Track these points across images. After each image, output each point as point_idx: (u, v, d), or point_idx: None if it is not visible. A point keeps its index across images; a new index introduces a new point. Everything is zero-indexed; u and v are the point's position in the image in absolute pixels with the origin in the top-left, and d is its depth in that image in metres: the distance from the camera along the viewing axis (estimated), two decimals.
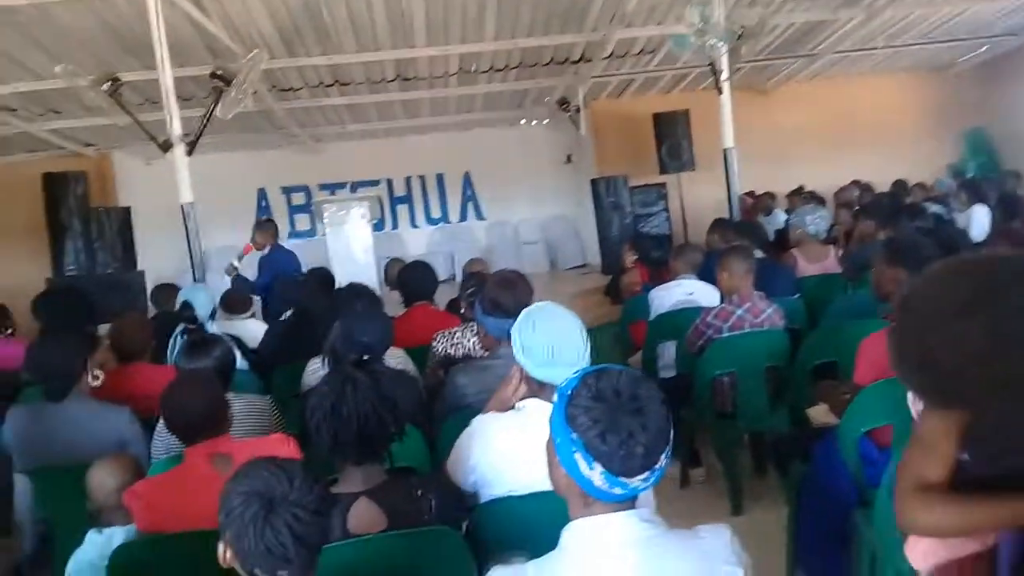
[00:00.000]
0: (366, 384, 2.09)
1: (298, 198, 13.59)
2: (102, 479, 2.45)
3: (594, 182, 11.56)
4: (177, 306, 4.69)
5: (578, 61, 10.13)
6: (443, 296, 5.31)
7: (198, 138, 5.83)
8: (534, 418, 2.33)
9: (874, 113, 12.71)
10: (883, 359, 3.01)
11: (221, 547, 1.52)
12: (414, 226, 13.92)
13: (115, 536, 2.30)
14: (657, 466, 1.47)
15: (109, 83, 5.72)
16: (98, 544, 2.29)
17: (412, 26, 8.26)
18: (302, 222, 13.64)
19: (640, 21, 8.82)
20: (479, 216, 14.03)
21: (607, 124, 12.12)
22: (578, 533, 1.52)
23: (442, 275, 12.36)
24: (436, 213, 14.00)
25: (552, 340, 2.35)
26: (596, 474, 1.46)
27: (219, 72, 5.71)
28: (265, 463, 1.56)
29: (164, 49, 5.67)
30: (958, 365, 1.46)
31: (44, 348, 3.30)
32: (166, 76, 5.69)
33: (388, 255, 11.17)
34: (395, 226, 13.81)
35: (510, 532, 2.27)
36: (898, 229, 4.83)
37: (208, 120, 5.87)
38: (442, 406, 3.31)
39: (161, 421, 3.17)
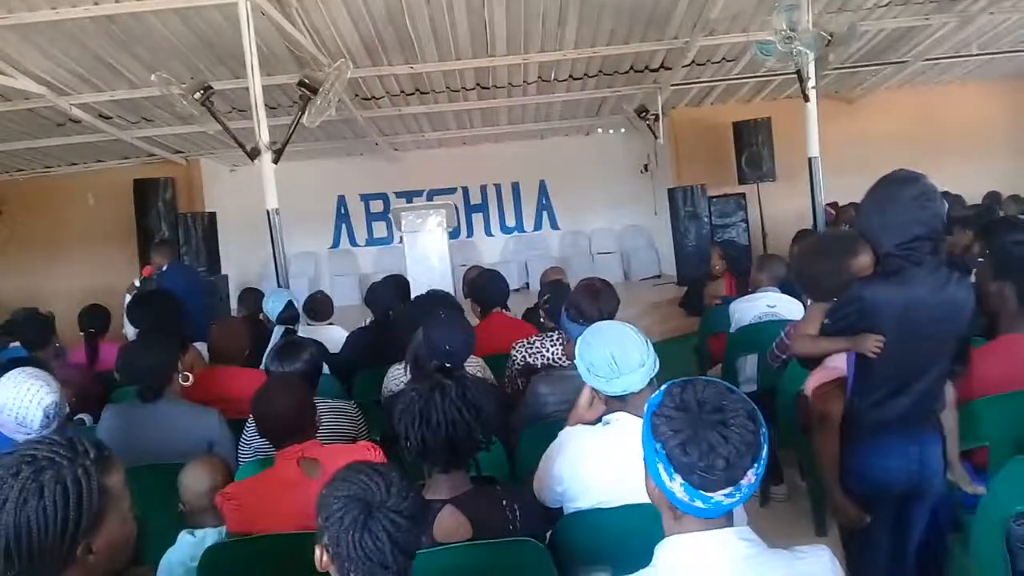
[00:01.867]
0: (454, 391, 2.10)
1: (376, 205, 13.81)
2: (194, 480, 2.51)
3: (671, 191, 11.44)
4: (266, 309, 4.80)
5: (658, 69, 10.04)
6: (515, 304, 5.32)
7: (284, 146, 5.95)
8: (623, 431, 2.31)
9: (964, 123, 12.26)
10: (982, 376, 2.91)
11: (318, 551, 1.53)
12: (489, 234, 13.99)
13: (208, 537, 2.35)
14: (743, 481, 1.42)
15: (201, 92, 5.89)
16: (191, 545, 2.34)
17: (493, 35, 8.31)
18: (379, 229, 13.86)
19: (723, 28, 8.71)
20: (553, 225, 14.02)
21: (685, 132, 11.98)
22: (672, 550, 1.49)
23: (516, 283, 12.41)
24: (511, 222, 14.04)
25: (611, 350, 2.37)
26: (676, 486, 1.44)
27: (306, 81, 5.82)
28: (363, 468, 1.57)
29: (254, 59, 5.81)
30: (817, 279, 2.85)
31: (138, 350, 3.41)
32: (255, 85, 5.84)
33: (463, 263, 11.29)
34: (470, 234, 13.90)
35: (595, 545, 2.25)
36: (994, 242, 4.62)
37: (295, 128, 5.99)
38: (522, 415, 3.30)
39: (248, 423, 3.25)
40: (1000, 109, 12.56)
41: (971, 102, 12.42)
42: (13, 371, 2.69)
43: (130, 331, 5.54)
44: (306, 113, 5.96)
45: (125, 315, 4.84)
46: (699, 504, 1.43)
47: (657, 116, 10.93)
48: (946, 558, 2.86)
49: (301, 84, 5.85)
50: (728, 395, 1.46)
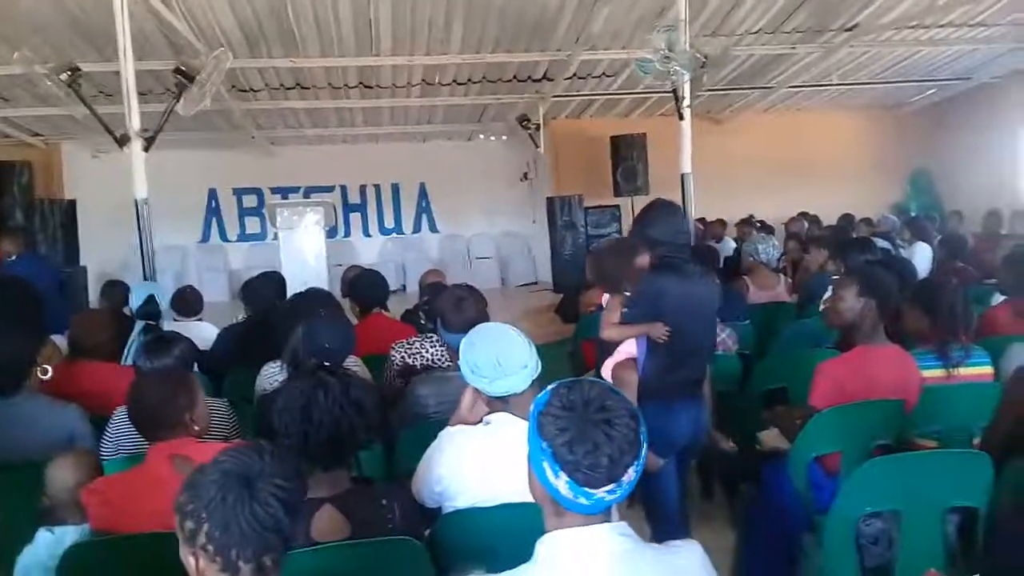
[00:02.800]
0: (337, 389, 2.09)
1: (250, 200, 13.43)
2: (62, 475, 2.38)
3: (549, 200, 11.64)
4: (132, 303, 4.59)
5: (540, 79, 10.23)
6: (392, 306, 5.30)
7: (156, 134, 5.72)
8: (502, 431, 2.35)
9: (824, 148, 13.05)
10: (839, 385, 3.12)
11: (191, 560, 1.47)
12: (367, 235, 13.86)
13: (67, 535, 2.24)
14: (624, 478, 1.48)
15: (68, 73, 5.58)
16: (49, 543, 2.22)
17: (378, 34, 8.25)
18: (252, 224, 13.49)
19: (604, 44, 8.96)
20: (432, 228, 14.03)
21: (565, 144, 12.23)
22: (553, 545, 1.53)
23: (393, 285, 12.28)
24: (389, 223, 13.95)
25: (495, 352, 2.42)
26: (562, 483, 1.48)
27: (182, 68, 5.62)
28: (226, 451, 1.54)
29: (127, 41, 5.56)
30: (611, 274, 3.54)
31: None
32: (127, 69, 5.58)
33: (339, 262, 11.11)
34: (347, 233, 13.72)
35: (473, 544, 2.28)
36: (848, 261, 4.95)
37: (167, 116, 5.76)
38: (401, 416, 3.30)
39: (112, 420, 3.11)
40: (856, 136, 13.45)
41: (831, 129, 13.25)
42: None
43: None
44: (181, 101, 5.75)
45: None
46: (582, 501, 1.48)
47: (538, 126, 11.12)
48: (801, 556, 3.05)
49: (177, 71, 5.64)
50: (612, 395, 1.51)
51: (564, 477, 1.47)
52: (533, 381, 2.45)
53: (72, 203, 11.30)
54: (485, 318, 3.18)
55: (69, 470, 2.40)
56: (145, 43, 7.49)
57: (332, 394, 2.07)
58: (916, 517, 2.66)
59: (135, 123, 5.61)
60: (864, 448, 3.04)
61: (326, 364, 2.82)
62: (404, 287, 12.47)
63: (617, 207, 11.91)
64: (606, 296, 3.77)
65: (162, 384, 2.44)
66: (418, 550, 2.12)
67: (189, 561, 1.48)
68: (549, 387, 1.56)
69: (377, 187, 13.83)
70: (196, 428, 2.45)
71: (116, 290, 5.60)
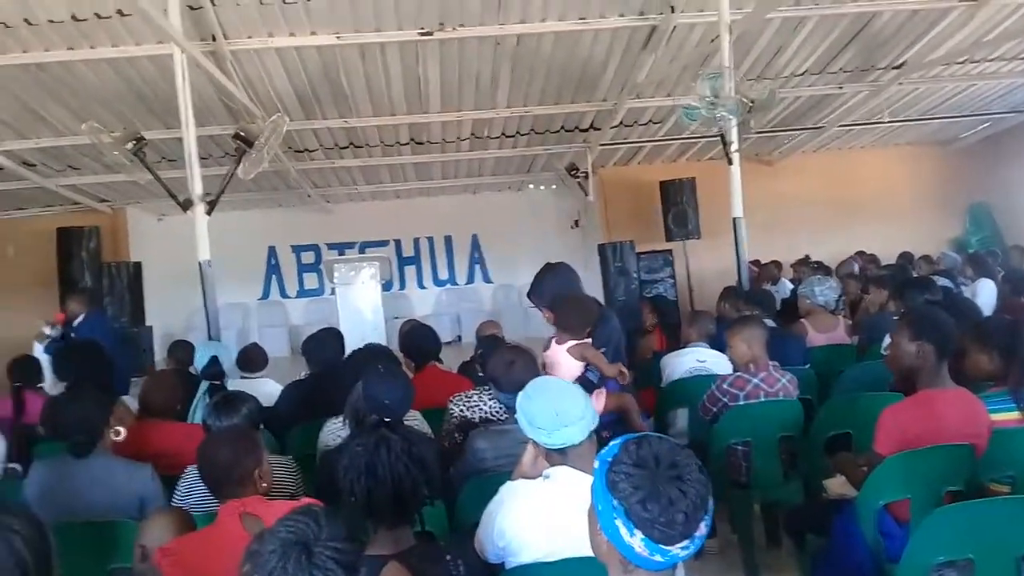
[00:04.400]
0: (399, 445, 2.13)
1: (308, 257, 13.73)
2: (154, 532, 2.45)
3: (601, 247, 11.67)
4: (196, 362, 4.72)
5: (587, 129, 10.34)
6: (448, 357, 5.37)
7: (218, 197, 5.92)
8: (563, 486, 2.36)
9: (877, 185, 12.90)
10: (903, 430, 3.05)
11: None
12: (421, 287, 14.03)
13: None
14: (697, 534, 1.49)
15: (133, 142, 5.83)
16: None
17: (427, 92, 8.46)
18: (310, 280, 13.76)
19: (649, 92, 9.04)
20: (486, 279, 14.14)
21: (615, 190, 12.31)
22: None
23: (448, 336, 12.41)
24: (443, 274, 14.11)
25: (552, 404, 2.44)
26: (637, 541, 1.48)
27: (241, 134, 5.82)
28: (283, 518, 1.58)
29: (189, 111, 5.80)
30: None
31: (69, 403, 3.32)
32: (190, 137, 5.81)
33: (396, 315, 11.28)
34: (403, 286, 13.91)
35: None
36: (909, 301, 4.87)
37: (229, 180, 5.97)
38: (461, 470, 3.32)
39: (182, 479, 3.20)
40: (911, 173, 13.27)
41: (884, 166, 13.10)
42: None
43: (49, 382, 5.37)
44: (241, 165, 5.95)
45: (51, 366, 4.69)
46: (657, 558, 1.48)
47: (587, 174, 11.21)
48: None
49: (237, 137, 5.84)
50: (680, 451, 1.53)
51: (639, 535, 1.47)
52: (590, 433, 2.46)
53: (137, 265, 11.66)
54: (536, 376, 3.21)
55: (163, 528, 2.46)
56: (204, 109, 7.79)
57: (394, 451, 2.12)
58: (990, 565, 2.58)
59: (197, 188, 5.81)
60: (934, 494, 2.97)
61: (386, 420, 2.89)
62: (459, 338, 12.58)
63: (669, 251, 11.89)
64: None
65: (231, 443, 2.51)
66: None
67: None
68: (615, 442, 1.58)
69: (430, 240, 14.04)
70: (263, 485, 2.51)
71: (182, 350, 5.75)
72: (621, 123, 10.07)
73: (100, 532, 2.91)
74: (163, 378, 4.07)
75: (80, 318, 7.45)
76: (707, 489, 1.51)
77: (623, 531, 1.49)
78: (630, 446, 1.54)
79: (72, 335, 7.04)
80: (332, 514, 1.58)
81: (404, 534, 2.15)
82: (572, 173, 11.37)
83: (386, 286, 11.40)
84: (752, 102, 6.79)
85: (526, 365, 3.27)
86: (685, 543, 1.48)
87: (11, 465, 3.65)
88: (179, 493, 3.14)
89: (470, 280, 14.15)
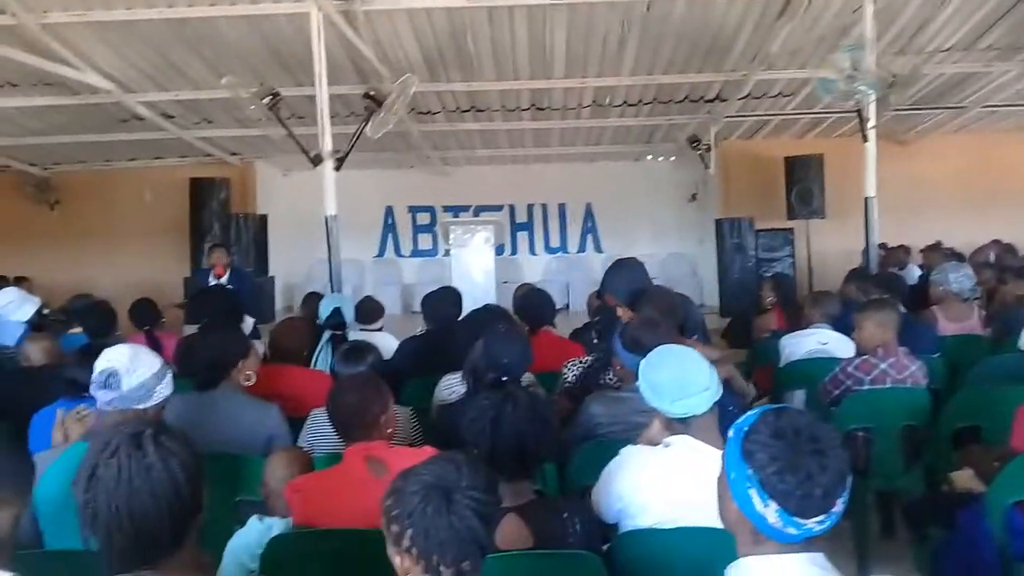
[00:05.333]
0: (525, 403, 2.16)
1: (423, 217, 13.96)
2: (278, 469, 2.58)
3: (719, 222, 11.44)
4: (320, 313, 4.89)
5: (713, 100, 10.08)
6: (557, 324, 5.38)
7: (347, 154, 6.08)
8: (683, 455, 2.35)
9: (1019, 171, 12.12)
10: None
11: (397, 558, 1.56)
12: (533, 253, 14.08)
13: (275, 525, 2.42)
14: (834, 509, 1.47)
15: (269, 97, 6.04)
16: (260, 530, 2.41)
17: (551, 58, 8.41)
18: (425, 241, 14.01)
19: (781, 63, 8.73)
20: (597, 248, 14.06)
21: (736, 164, 11.99)
22: (747, 571, 1.52)
23: (557, 304, 12.40)
24: (555, 242, 14.11)
25: (677, 373, 2.42)
26: (771, 512, 1.47)
27: (371, 93, 5.95)
28: (426, 462, 1.62)
29: (323, 68, 5.95)
30: None
31: (202, 340, 3.51)
32: (323, 94, 5.97)
33: (505, 280, 11.37)
34: (514, 252, 13.98)
35: (650, 564, 2.28)
36: None
37: (357, 138, 6.11)
38: (574, 434, 3.34)
39: (308, 422, 3.34)
40: None
41: None
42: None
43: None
44: (369, 124, 6.09)
45: (185, 308, 4.96)
46: (791, 531, 1.47)
47: (709, 146, 10.95)
48: None
49: (367, 96, 5.98)
50: (820, 425, 1.50)
51: (774, 506, 1.46)
52: (713, 405, 2.43)
53: (263, 218, 12.14)
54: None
55: (285, 465, 2.59)
56: (334, 68, 7.98)
57: (520, 407, 2.15)
58: None
59: (328, 144, 5.98)
60: None
61: (503, 378, 2.93)
62: (567, 306, 12.57)
63: (790, 230, 11.53)
64: None
65: (360, 389, 2.61)
66: (597, 565, 2.15)
67: (395, 560, 1.57)
68: (752, 412, 1.56)
69: (544, 207, 14.04)
70: (388, 431, 2.59)
71: (313, 301, 5.96)
72: (749, 95, 9.77)
73: (229, 465, 3.07)
74: (294, 325, 4.25)
75: (228, 272, 7.85)
76: (846, 465, 1.49)
77: (756, 501, 1.48)
78: (769, 416, 1.52)
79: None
80: (475, 464, 1.61)
81: (523, 488, 2.19)
82: (693, 145, 11.14)
83: (498, 250, 11.48)
84: (894, 77, 6.49)
85: (669, 330, 3.22)
86: (821, 517, 1.46)
87: None
88: (304, 434, 3.28)
89: (581, 249, 14.10)
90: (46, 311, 6.35)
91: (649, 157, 13.27)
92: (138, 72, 8.39)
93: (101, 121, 9.91)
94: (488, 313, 4.13)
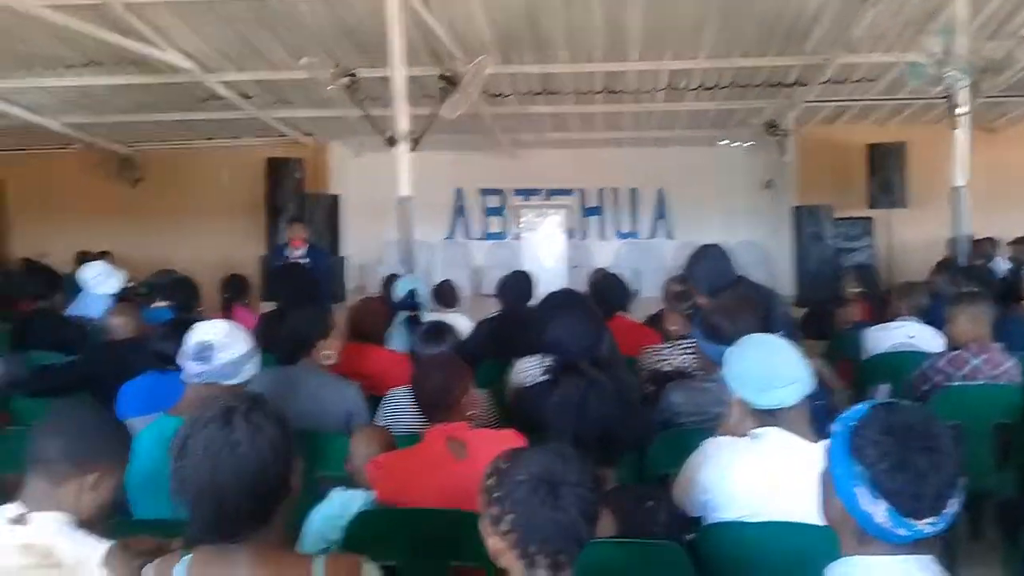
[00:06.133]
0: (610, 389, 2.12)
1: (493, 200, 13.93)
2: (360, 446, 2.61)
3: (796, 210, 11.18)
4: (395, 293, 4.93)
5: (792, 84, 9.82)
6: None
7: (422, 136, 6.09)
8: (772, 447, 2.28)
9: None
10: None
11: (491, 540, 1.55)
12: (603, 238, 13.93)
13: (356, 499, 2.44)
14: (946, 511, 1.40)
15: (347, 78, 6.08)
16: (342, 503, 2.44)
17: (627, 40, 8.29)
18: (494, 224, 13.98)
19: (865, 47, 8.45)
20: (669, 234, 13.86)
21: (814, 151, 11.67)
22: (852, 572, 1.47)
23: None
24: (626, 227, 13.95)
25: (766, 362, 2.34)
26: (880, 511, 1.41)
27: (447, 75, 5.95)
28: (533, 451, 1.60)
29: (400, 49, 5.96)
30: None
31: (284, 317, 3.55)
32: (399, 75, 5.99)
33: (575, 264, 11.32)
34: (584, 236, 13.86)
35: (735, 557, 2.23)
36: None
37: (433, 119, 6.12)
38: (652, 421, 3.29)
39: (386, 401, 3.36)
40: None
41: None
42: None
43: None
44: (444, 105, 6.09)
45: (265, 285, 5.05)
46: (901, 531, 1.40)
47: (786, 132, 10.69)
48: None
49: (443, 77, 5.98)
50: (934, 421, 1.43)
51: (884, 504, 1.40)
52: (803, 398, 2.35)
53: (336, 198, 12.29)
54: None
55: (369, 442, 2.61)
56: (408, 50, 8.00)
57: (606, 393, 2.11)
58: None
59: (403, 125, 6.00)
60: None
61: (584, 362, 2.89)
62: (638, 292, 12.43)
63: (869, 219, 11.21)
64: None
65: (443, 369, 2.62)
66: (681, 555, 2.11)
67: (489, 539, 1.56)
68: (861, 406, 1.49)
69: (615, 191, 13.88)
70: (468, 413, 2.59)
71: (391, 282, 6.01)
72: (830, 79, 9.48)
73: (310, 441, 3.10)
74: (373, 305, 4.29)
75: (306, 248, 8.00)
76: (959, 465, 1.41)
77: (864, 499, 1.42)
78: (879, 411, 1.45)
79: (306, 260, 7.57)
80: (582, 459, 1.59)
81: (607, 476, 2.15)
82: (770, 130, 10.89)
83: (568, 234, 11.44)
84: (986, 62, 6.23)
85: (750, 317, 3.13)
86: (933, 519, 1.39)
87: None
88: (382, 413, 3.30)
89: (652, 235, 13.92)
90: (131, 284, 6.56)
91: (724, 142, 13.01)
92: (217, 52, 8.55)
93: (181, 100, 10.14)
94: (565, 297, 4.08)
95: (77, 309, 5.25)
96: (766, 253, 13.28)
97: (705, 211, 13.38)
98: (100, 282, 5.33)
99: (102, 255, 9.22)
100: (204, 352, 2.58)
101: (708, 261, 4.00)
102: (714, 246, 4.10)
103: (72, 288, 5.69)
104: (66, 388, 3.71)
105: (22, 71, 9.00)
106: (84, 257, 8.36)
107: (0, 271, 10.64)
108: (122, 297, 5.17)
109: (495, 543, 1.55)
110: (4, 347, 4.50)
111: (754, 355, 2.37)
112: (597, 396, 2.11)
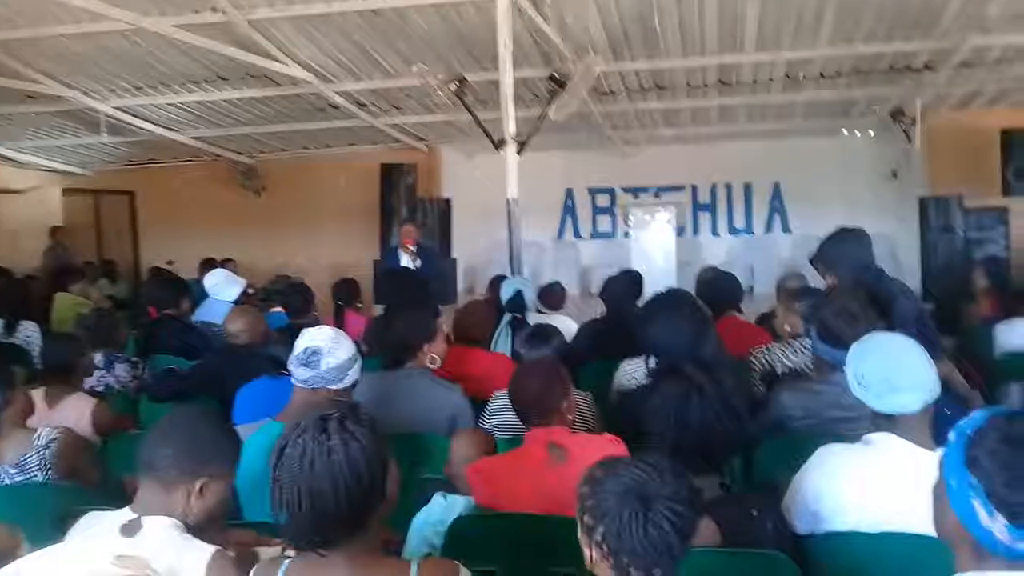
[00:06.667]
0: (713, 392, 2.06)
1: (602, 199, 13.83)
2: (460, 449, 2.64)
3: (923, 200, 10.62)
4: (502, 295, 4.95)
5: (919, 69, 9.30)
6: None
7: (529, 138, 6.10)
8: (886, 455, 2.16)
9: None
10: None
11: (587, 550, 1.54)
12: (715, 234, 13.61)
13: (457, 504, 2.46)
14: None
15: (456, 83, 6.16)
16: (443, 508, 2.46)
17: (742, 31, 8.05)
18: (604, 223, 13.87)
19: (1000, 28, 7.92)
20: (785, 228, 13.40)
21: (943, 138, 11.03)
22: None
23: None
24: (740, 223, 13.58)
25: (889, 366, 2.20)
26: (998, 526, 1.31)
27: (555, 75, 5.94)
28: (629, 462, 1.57)
29: (509, 53, 5.99)
30: None
31: (391, 321, 3.62)
32: (507, 78, 6.01)
33: (686, 261, 11.09)
34: (696, 233, 13.59)
35: (848, 570, 2.12)
36: None
37: (542, 121, 6.12)
38: (762, 424, 3.18)
39: (490, 404, 3.37)
40: None
41: None
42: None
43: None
44: (553, 107, 6.09)
45: (374, 289, 5.18)
46: (1022, 546, 1.30)
47: (913, 119, 10.15)
48: None
49: (551, 79, 5.97)
50: None
51: (1001, 520, 1.30)
52: (927, 404, 2.21)
53: (447, 201, 12.49)
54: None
55: (468, 446, 2.63)
56: (518, 52, 8.03)
57: (707, 398, 2.05)
58: None
59: (511, 128, 6.03)
60: None
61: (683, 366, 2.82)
62: (752, 289, 12.10)
63: (1005, 209, 10.53)
64: None
65: (542, 374, 2.60)
66: (789, 566, 2.03)
67: (585, 549, 1.54)
68: (978, 414, 1.39)
69: (728, 186, 13.52)
70: (569, 417, 2.56)
71: (497, 284, 6.07)
72: (961, 63, 8.95)
73: (415, 444, 3.16)
74: (478, 308, 4.32)
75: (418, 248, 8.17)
76: None
77: (981, 513, 1.32)
78: (1000, 421, 1.34)
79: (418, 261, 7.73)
80: (680, 473, 1.55)
81: (711, 483, 2.09)
82: (895, 118, 10.35)
83: (679, 232, 11.21)
84: None
85: (871, 319, 2.98)
86: None
87: None
88: (486, 415, 3.32)
89: (768, 229, 13.48)
90: (251, 291, 6.85)
91: (845, 132, 12.47)
92: (334, 62, 8.81)
93: (301, 111, 10.51)
94: (671, 296, 4.00)
95: (201, 315, 5.51)
96: (891, 246, 12.68)
97: (824, 204, 12.82)
98: (221, 289, 5.57)
99: (226, 262, 9.66)
100: (312, 358, 2.65)
101: (848, 244, 3.80)
102: (857, 229, 3.90)
103: (199, 295, 5.98)
104: (189, 392, 3.88)
105: (155, 89, 9.54)
106: (209, 264, 8.76)
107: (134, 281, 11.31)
108: (241, 303, 5.38)
109: (590, 553, 1.53)
110: (133, 352, 4.75)
111: (876, 355, 2.24)
112: (699, 400, 2.05)
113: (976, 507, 1.33)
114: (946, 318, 7.42)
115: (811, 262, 4.06)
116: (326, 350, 2.67)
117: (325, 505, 1.56)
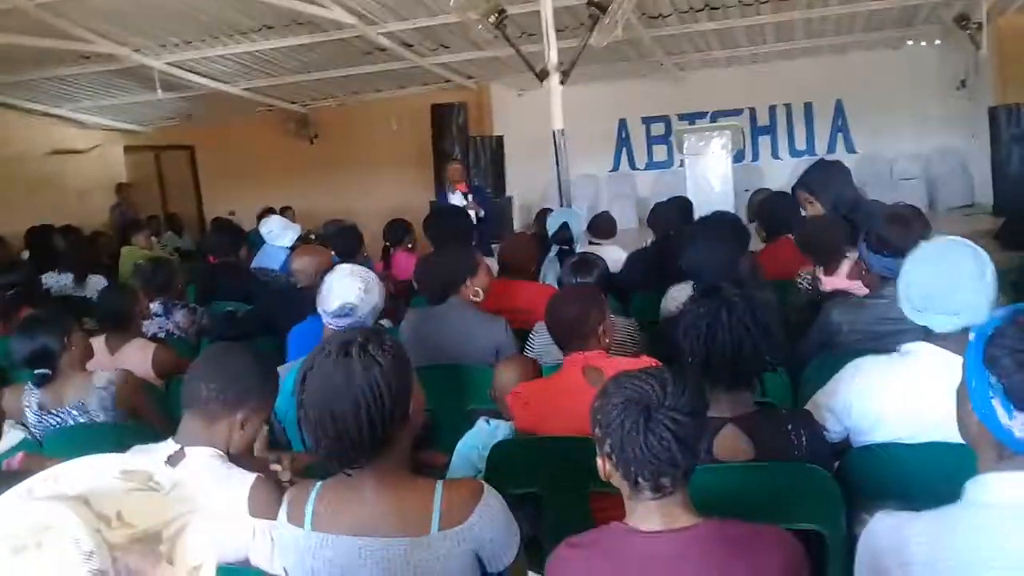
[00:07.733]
0: (742, 309, 2.04)
1: (657, 128, 13.58)
2: (506, 375, 2.69)
3: (993, 110, 10.14)
4: (548, 227, 4.95)
5: None
6: None
7: (572, 67, 6.01)
8: (924, 365, 2.12)
9: None
10: None
11: (600, 461, 1.56)
12: (776, 158, 13.26)
13: (500, 428, 2.53)
14: None
15: (495, 15, 6.08)
16: (486, 432, 2.53)
17: None
18: (659, 152, 13.66)
19: None
20: (849, 148, 12.96)
21: (1014, 43, 10.46)
22: (990, 487, 1.35)
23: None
24: (801, 145, 13.20)
25: (937, 280, 2.11)
26: (1018, 424, 1.29)
27: (597, 0, 5.81)
28: (634, 373, 1.58)
29: None
30: None
31: (433, 259, 3.68)
32: (547, 7, 5.91)
33: (746, 187, 10.86)
34: (755, 158, 13.26)
35: (890, 481, 2.10)
36: None
37: (583, 49, 6.02)
38: (811, 342, 3.15)
39: (533, 334, 3.41)
40: None
41: None
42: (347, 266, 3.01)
43: None
44: (594, 33, 5.97)
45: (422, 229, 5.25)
46: None
47: (980, 24, 9.64)
48: None
49: (591, 3, 5.85)
50: None
51: (1021, 418, 1.28)
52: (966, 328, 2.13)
53: (499, 139, 12.41)
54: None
55: (512, 372, 2.68)
56: None
57: (736, 314, 2.03)
58: None
59: (553, 57, 5.95)
60: None
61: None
62: None
63: None
64: None
65: (577, 300, 2.65)
66: (827, 480, 2.02)
67: (599, 462, 1.57)
68: (998, 313, 1.36)
69: (788, 107, 13.12)
70: (606, 341, 2.58)
71: (544, 217, 6.08)
72: None
73: (460, 375, 3.23)
74: (522, 240, 4.36)
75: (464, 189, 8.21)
76: None
77: (1000, 412, 1.30)
78: (1020, 318, 1.30)
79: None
80: (681, 383, 1.55)
81: (742, 398, 2.08)
82: (961, 24, 9.85)
83: (737, 157, 10.95)
84: None
85: (921, 224, 2.87)
86: None
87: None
88: (530, 345, 3.36)
89: (831, 150, 13.03)
90: (312, 236, 6.98)
91: (910, 42, 11.91)
92: (377, 3, 8.75)
93: (348, 55, 10.49)
94: (713, 220, 3.94)
95: (259, 261, 5.65)
96: (962, 160, 12.20)
97: (890, 120, 12.39)
98: (277, 235, 5.69)
99: (284, 210, 9.83)
100: (347, 313, 2.73)
101: (834, 173, 3.90)
102: (836, 161, 4.17)
103: (257, 242, 6.13)
104: (247, 334, 4.02)
105: (203, 42, 9.63)
106: (267, 213, 8.93)
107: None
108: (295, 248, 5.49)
109: (603, 466, 1.56)
110: (193, 299, 4.91)
111: (926, 267, 2.14)
112: (727, 316, 2.02)
113: (996, 406, 1.31)
114: (1017, 232, 7.18)
115: (793, 190, 4.06)
116: (360, 301, 2.77)
117: (347, 426, 1.61)
